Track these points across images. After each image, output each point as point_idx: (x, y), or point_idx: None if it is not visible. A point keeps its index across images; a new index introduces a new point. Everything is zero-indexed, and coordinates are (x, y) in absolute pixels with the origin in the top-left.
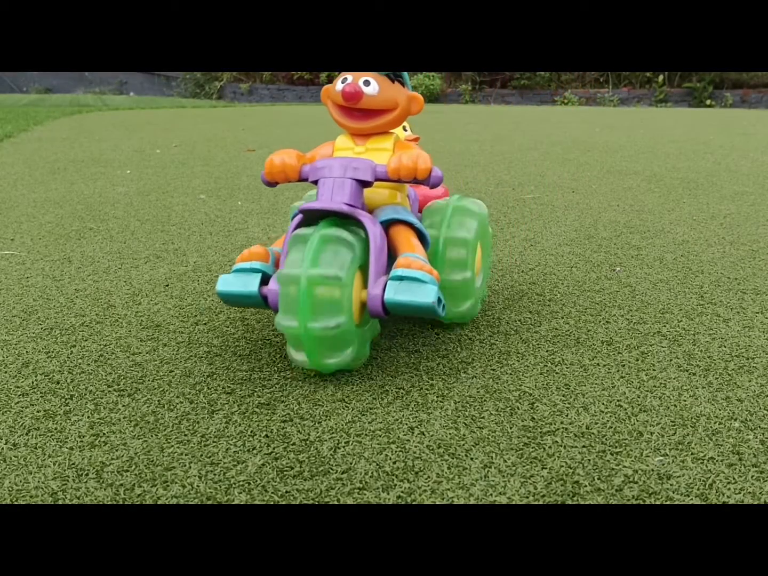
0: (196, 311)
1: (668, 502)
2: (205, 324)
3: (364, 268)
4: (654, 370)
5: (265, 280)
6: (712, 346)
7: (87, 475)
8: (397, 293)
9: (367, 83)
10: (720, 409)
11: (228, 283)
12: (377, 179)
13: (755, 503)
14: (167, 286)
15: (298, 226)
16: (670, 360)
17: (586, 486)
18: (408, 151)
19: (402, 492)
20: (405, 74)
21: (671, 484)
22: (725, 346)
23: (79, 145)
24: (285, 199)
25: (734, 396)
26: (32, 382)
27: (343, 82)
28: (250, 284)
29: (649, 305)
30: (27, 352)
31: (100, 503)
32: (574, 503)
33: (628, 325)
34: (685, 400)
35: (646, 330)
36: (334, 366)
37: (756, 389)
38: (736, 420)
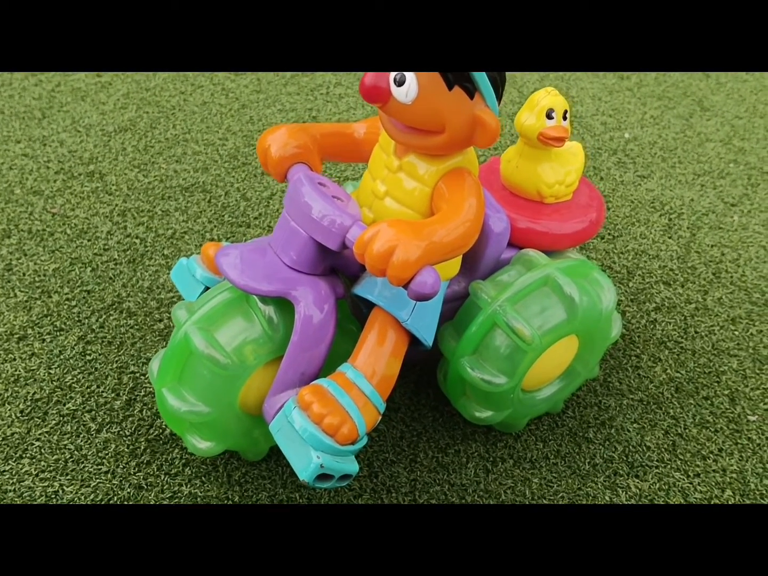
0: None
1: None
2: None
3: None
4: None
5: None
6: None
7: None
8: (278, 432)
9: (401, 81)
10: None
11: (179, 276)
12: (344, 248)
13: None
14: None
15: None
16: None
17: None
18: (400, 229)
19: None
20: (484, 78)
21: None
22: None
23: None
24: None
25: None
26: None
27: None
28: (191, 294)
29: None
30: None
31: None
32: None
33: None
34: None
35: None
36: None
37: None
38: None
